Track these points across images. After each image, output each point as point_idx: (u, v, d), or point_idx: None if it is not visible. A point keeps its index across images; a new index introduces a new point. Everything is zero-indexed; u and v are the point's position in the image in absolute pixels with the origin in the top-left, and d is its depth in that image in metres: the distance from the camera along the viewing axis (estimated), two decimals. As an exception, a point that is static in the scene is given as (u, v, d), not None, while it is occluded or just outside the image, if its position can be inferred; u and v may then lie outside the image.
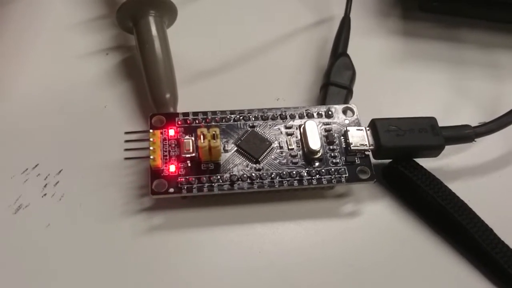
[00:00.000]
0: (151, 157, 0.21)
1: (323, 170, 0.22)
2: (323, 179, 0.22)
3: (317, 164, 0.22)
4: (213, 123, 0.23)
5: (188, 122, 0.23)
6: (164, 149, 0.22)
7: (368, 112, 0.24)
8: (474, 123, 0.24)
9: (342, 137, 0.23)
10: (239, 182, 0.22)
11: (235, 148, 0.22)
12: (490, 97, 0.28)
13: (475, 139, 0.23)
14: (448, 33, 0.30)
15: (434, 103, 0.27)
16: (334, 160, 0.22)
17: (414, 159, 0.23)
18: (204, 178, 0.21)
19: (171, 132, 0.22)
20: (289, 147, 0.23)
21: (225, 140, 0.23)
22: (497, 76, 0.29)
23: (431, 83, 0.28)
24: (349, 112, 0.24)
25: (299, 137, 0.23)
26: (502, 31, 0.30)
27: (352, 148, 0.22)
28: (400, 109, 0.26)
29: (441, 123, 0.23)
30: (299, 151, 0.23)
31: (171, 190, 0.21)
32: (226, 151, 0.22)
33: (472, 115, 0.27)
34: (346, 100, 0.25)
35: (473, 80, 0.28)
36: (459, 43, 0.30)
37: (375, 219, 0.23)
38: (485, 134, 0.23)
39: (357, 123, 0.24)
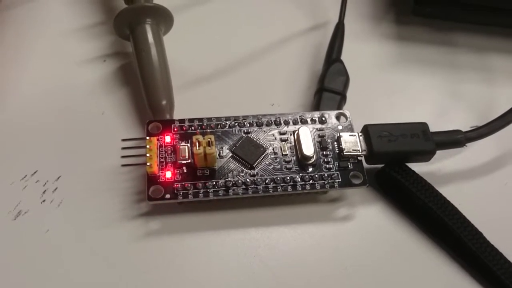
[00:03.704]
0: (148, 163, 0.22)
1: (316, 175, 0.22)
2: (316, 184, 0.22)
3: (310, 169, 0.23)
4: (208, 130, 0.23)
5: (184, 128, 0.23)
6: (161, 156, 0.22)
7: (362, 117, 0.24)
8: (467, 126, 0.25)
9: (335, 143, 0.23)
10: (234, 187, 0.22)
11: (230, 154, 0.23)
12: (483, 101, 0.28)
13: (466, 144, 0.24)
14: (441, 37, 0.30)
15: (427, 107, 0.27)
16: (327, 166, 0.23)
17: (406, 164, 0.23)
18: (200, 184, 0.22)
19: (167, 139, 0.23)
20: (283, 153, 0.23)
21: (220, 146, 0.23)
22: (490, 80, 0.29)
23: (425, 87, 0.28)
24: (342, 118, 0.24)
25: (293, 143, 0.23)
26: (495, 35, 0.31)
27: (345, 153, 0.23)
28: (393, 114, 0.26)
29: (434, 127, 0.24)
30: (293, 156, 0.23)
31: (167, 196, 0.21)
32: (221, 157, 0.23)
33: (465, 118, 0.27)
34: (339, 106, 0.25)
35: (466, 84, 0.29)
36: (452, 48, 0.30)
37: (368, 223, 0.23)
38: (476, 139, 0.24)
39: (350, 129, 0.24)
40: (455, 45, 0.30)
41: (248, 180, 0.22)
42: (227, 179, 0.22)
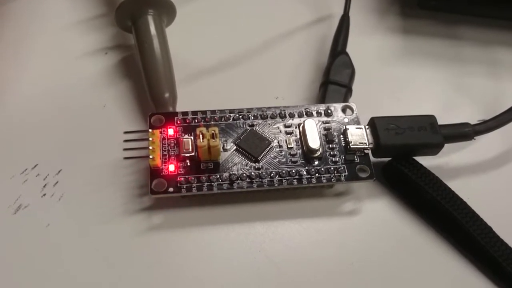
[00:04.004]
0: (151, 156, 0.21)
1: (322, 169, 0.22)
2: (322, 178, 0.22)
3: (316, 162, 0.22)
4: (212, 122, 0.23)
5: (187, 121, 0.23)
6: (164, 149, 0.22)
7: (368, 110, 0.24)
8: (473, 120, 0.25)
9: (341, 136, 0.23)
10: (238, 181, 0.22)
11: (235, 147, 0.22)
12: (490, 94, 0.28)
13: (474, 137, 0.23)
14: (447, 30, 0.30)
15: (433, 100, 0.27)
16: (333, 159, 0.22)
17: (414, 157, 0.23)
18: (204, 177, 0.21)
19: (170, 131, 0.22)
20: (289, 146, 0.23)
21: (224, 139, 0.23)
22: (496, 73, 0.29)
23: (430, 80, 0.28)
24: (348, 111, 0.24)
25: (298, 136, 0.23)
26: (501, 28, 0.30)
27: (351, 146, 0.23)
28: (399, 107, 0.26)
29: (440, 121, 0.23)
30: (298, 150, 0.23)
31: (171, 189, 0.21)
32: (225, 150, 0.22)
33: (471, 112, 0.27)
34: (345, 99, 0.25)
35: (472, 77, 0.28)
36: (458, 41, 0.30)
37: (375, 217, 0.23)
38: (484, 132, 0.24)
39: (357, 122, 0.24)
40: (460, 38, 0.30)
41: (253, 173, 0.22)
42: (231, 173, 0.22)
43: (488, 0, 0.29)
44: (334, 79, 0.25)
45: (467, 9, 0.30)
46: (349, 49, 0.27)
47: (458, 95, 0.27)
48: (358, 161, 0.22)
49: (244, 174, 0.22)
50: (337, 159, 0.22)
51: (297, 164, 0.22)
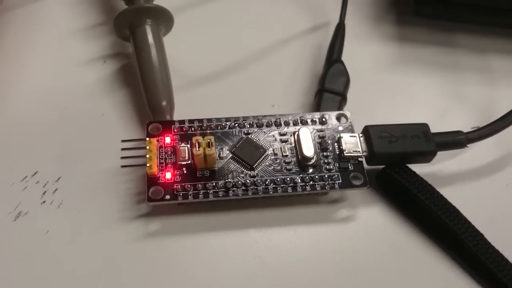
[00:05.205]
0: (148, 164, 0.22)
1: (316, 177, 0.22)
2: (316, 186, 0.22)
3: (311, 170, 0.23)
4: (208, 131, 0.23)
5: (184, 129, 0.23)
6: (161, 157, 0.22)
7: (362, 118, 0.24)
8: (468, 127, 0.25)
9: (335, 144, 0.23)
10: (234, 188, 0.22)
11: (230, 155, 0.23)
12: (484, 102, 0.28)
13: (467, 145, 0.24)
14: (442, 38, 0.30)
15: (428, 108, 0.27)
16: (327, 167, 0.23)
17: (407, 165, 0.23)
18: (200, 185, 0.22)
19: (167, 139, 0.23)
20: (283, 154, 0.23)
21: (220, 147, 0.23)
22: (491, 81, 0.29)
23: (425, 88, 0.28)
24: (342, 119, 0.24)
25: (293, 144, 0.23)
26: (496, 35, 0.30)
27: (345, 154, 0.23)
28: (394, 115, 0.26)
29: (435, 128, 0.23)
30: (293, 157, 0.23)
31: (167, 197, 0.21)
32: (221, 158, 0.23)
33: (466, 119, 0.27)
34: (340, 107, 0.25)
35: (467, 85, 0.28)
36: (453, 48, 0.30)
37: (369, 224, 0.23)
38: (477, 140, 0.24)
39: (351, 130, 0.24)
40: (456, 45, 0.30)
41: (248, 181, 0.22)
42: (227, 180, 0.22)
43: (484, 8, 0.30)
44: (329, 87, 0.26)
45: (463, 16, 0.30)
46: (345, 56, 0.27)
47: (453, 102, 0.28)
48: (352, 168, 0.23)
49: (239, 182, 0.22)
50: (331, 167, 0.23)
51: (291, 172, 0.23)
